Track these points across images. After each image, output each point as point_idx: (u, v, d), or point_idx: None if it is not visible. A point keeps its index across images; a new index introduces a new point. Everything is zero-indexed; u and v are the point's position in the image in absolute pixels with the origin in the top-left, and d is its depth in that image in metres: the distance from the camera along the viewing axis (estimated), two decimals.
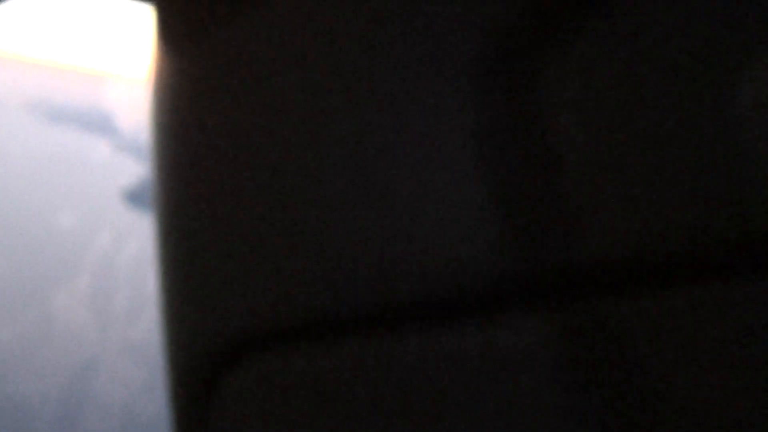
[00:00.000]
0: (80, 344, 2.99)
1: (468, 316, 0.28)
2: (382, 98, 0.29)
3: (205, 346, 0.33)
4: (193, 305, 0.33)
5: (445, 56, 0.28)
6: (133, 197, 3.81)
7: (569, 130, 0.27)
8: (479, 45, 0.27)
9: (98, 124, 4.15)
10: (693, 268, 0.26)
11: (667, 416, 0.25)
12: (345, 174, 0.29)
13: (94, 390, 2.95)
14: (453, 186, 0.28)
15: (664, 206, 0.26)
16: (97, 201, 3.60)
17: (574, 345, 0.26)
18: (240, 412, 0.32)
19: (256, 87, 0.31)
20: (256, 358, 0.32)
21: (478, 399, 0.27)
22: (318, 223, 0.30)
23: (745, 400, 0.24)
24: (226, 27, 0.31)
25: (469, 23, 0.27)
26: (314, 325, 0.30)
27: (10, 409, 2.93)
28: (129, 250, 3.00)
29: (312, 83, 0.30)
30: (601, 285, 0.27)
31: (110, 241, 2.98)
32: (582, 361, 0.26)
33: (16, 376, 2.97)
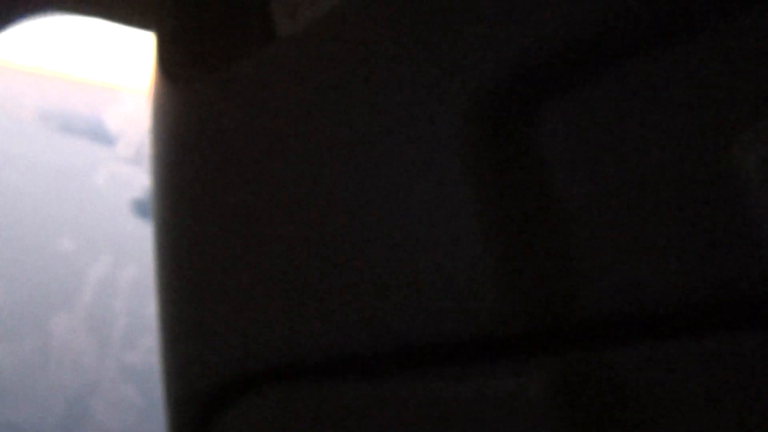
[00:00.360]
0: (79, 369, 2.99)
1: (469, 363, 0.28)
2: (382, 142, 0.29)
3: (203, 382, 0.33)
4: (191, 342, 0.33)
5: (444, 101, 0.28)
6: (141, 208, 3.81)
7: (567, 181, 0.27)
8: (477, 90, 0.27)
9: (107, 135, 4.15)
10: (688, 321, 0.26)
11: None
12: (346, 216, 0.29)
13: (92, 414, 2.95)
14: (454, 234, 0.28)
15: (661, 261, 0.26)
16: (103, 214, 3.59)
17: (572, 393, 0.26)
18: None
19: (260, 124, 0.31)
20: (253, 394, 0.32)
21: None
22: (318, 264, 0.30)
23: None
24: (230, 63, 0.32)
25: (468, 68, 0.27)
26: (312, 364, 0.30)
27: None
28: (128, 272, 2.99)
29: (314, 124, 0.30)
30: (599, 335, 0.27)
31: (111, 263, 2.98)
32: (580, 409, 0.26)
33: (15, 401, 2.98)
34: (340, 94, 0.29)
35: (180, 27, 0.34)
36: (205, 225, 0.32)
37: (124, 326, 2.92)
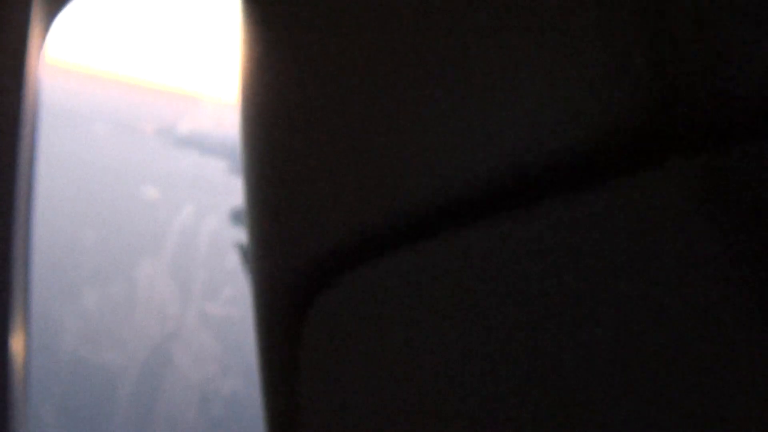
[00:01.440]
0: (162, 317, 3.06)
1: (605, 176, 0.27)
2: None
3: (294, 271, 0.34)
4: (279, 234, 0.34)
5: None
6: (238, 216, 3.90)
7: None
8: None
9: (217, 147, 4.33)
10: None
11: None
12: (418, 85, 0.29)
13: (173, 362, 2.98)
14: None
15: None
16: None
17: (716, 191, 0.25)
18: (332, 330, 0.33)
19: (336, 30, 0.31)
20: (344, 276, 0.32)
21: (619, 258, 0.26)
22: (396, 124, 0.30)
23: None
24: None
25: None
26: (400, 229, 0.30)
27: (94, 376, 3.01)
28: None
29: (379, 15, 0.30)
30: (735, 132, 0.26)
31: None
32: (726, 205, 0.25)
33: (101, 346, 3.05)
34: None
35: None
36: (292, 112, 0.33)
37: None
